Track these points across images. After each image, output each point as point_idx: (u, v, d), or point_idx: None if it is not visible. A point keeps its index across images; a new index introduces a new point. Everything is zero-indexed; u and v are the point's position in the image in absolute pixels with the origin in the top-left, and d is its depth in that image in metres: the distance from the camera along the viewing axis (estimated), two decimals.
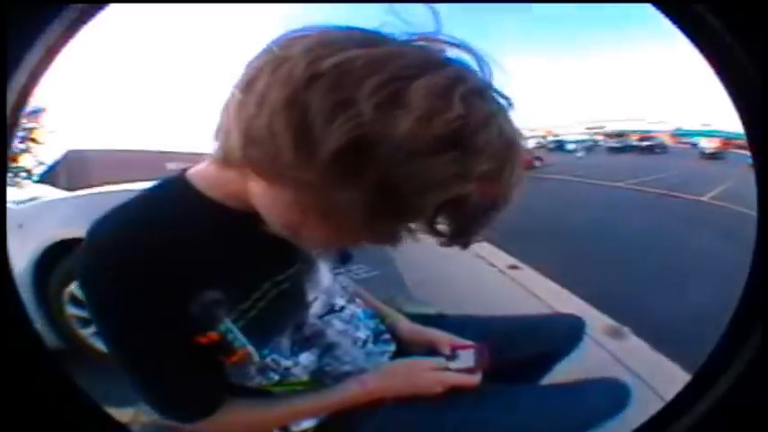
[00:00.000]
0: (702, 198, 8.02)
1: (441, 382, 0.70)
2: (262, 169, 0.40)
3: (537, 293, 2.70)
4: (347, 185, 0.37)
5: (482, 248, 3.57)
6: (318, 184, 0.37)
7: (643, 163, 18.03)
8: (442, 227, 0.44)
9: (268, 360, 0.61)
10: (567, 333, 0.97)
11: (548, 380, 0.98)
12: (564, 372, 0.96)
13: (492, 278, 3.11)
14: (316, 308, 0.68)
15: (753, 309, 0.41)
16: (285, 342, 0.63)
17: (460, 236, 0.45)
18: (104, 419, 0.47)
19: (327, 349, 0.70)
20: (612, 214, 6.87)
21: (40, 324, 1.84)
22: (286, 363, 0.64)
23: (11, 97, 0.36)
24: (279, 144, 0.36)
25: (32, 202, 2.15)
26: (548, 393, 0.82)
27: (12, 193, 2.75)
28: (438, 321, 0.92)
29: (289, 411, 0.65)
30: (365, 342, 0.76)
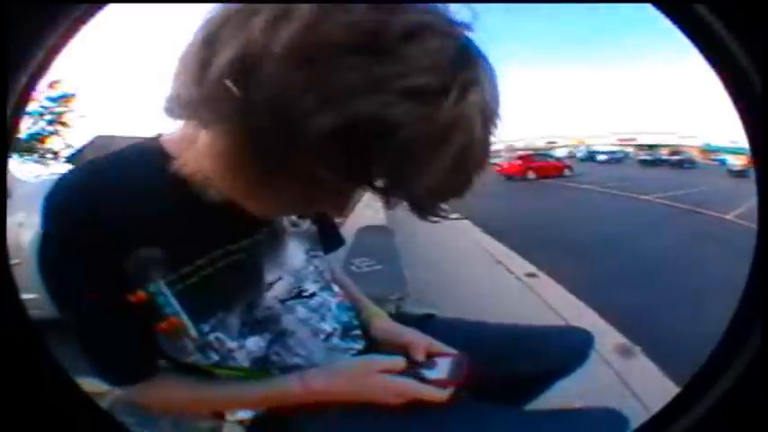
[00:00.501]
0: (726, 216, 7.99)
1: (398, 392, 0.59)
2: (179, 108, 0.39)
3: (551, 303, 2.67)
4: (241, 110, 0.34)
5: (503, 254, 3.56)
6: (220, 115, 0.35)
7: (672, 177, 17.87)
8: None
9: (211, 338, 0.55)
10: (572, 349, 0.86)
11: (540, 399, 0.88)
12: (561, 390, 0.87)
13: (506, 285, 3.07)
14: (278, 290, 0.61)
15: (753, 309, 0.41)
16: (234, 322, 0.57)
17: (400, 188, 0.37)
18: (105, 419, 0.47)
19: (280, 337, 0.62)
20: (638, 227, 6.82)
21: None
22: (230, 344, 0.57)
23: (11, 97, 0.36)
24: (186, 76, 0.37)
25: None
26: (529, 421, 0.70)
27: (37, 170, 2.74)
28: (424, 322, 0.83)
29: (222, 396, 0.60)
30: (329, 336, 0.68)
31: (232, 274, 0.55)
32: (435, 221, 0.42)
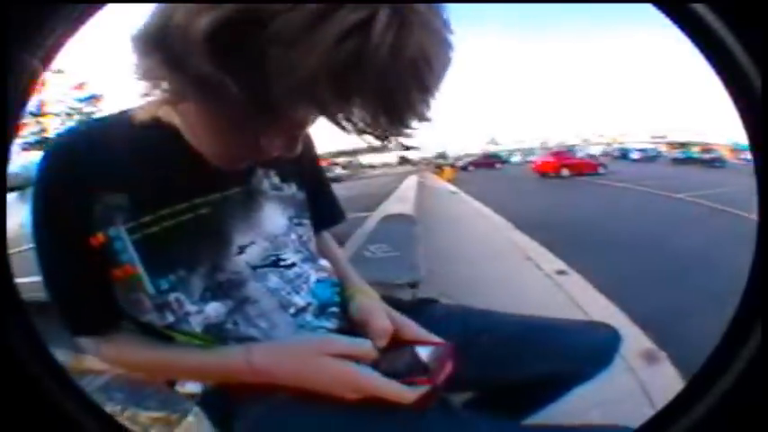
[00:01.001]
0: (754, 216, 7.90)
1: (354, 384, 0.49)
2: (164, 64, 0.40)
3: (579, 302, 2.58)
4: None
5: (533, 250, 3.52)
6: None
7: (703, 175, 17.54)
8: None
9: (170, 297, 0.53)
10: (595, 349, 0.73)
11: (551, 406, 0.76)
12: (576, 396, 0.75)
13: (535, 281, 3.00)
14: (250, 254, 0.58)
15: (753, 309, 0.41)
16: (197, 283, 0.54)
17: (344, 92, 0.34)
18: (106, 419, 0.47)
19: (241, 304, 0.57)
20: (670, 226, 6.65)
21: None
22: (189, 307, 0.54)
23: (11, 97, 0.37)
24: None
25: None
26: None
27: None
28: (420, 308, 0.71)
29: (171, 361, 0.56)
30: (301, 311, 0.61)
31: (196, 231, 0.54)
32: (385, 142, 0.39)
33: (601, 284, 2.88)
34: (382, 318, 0.59)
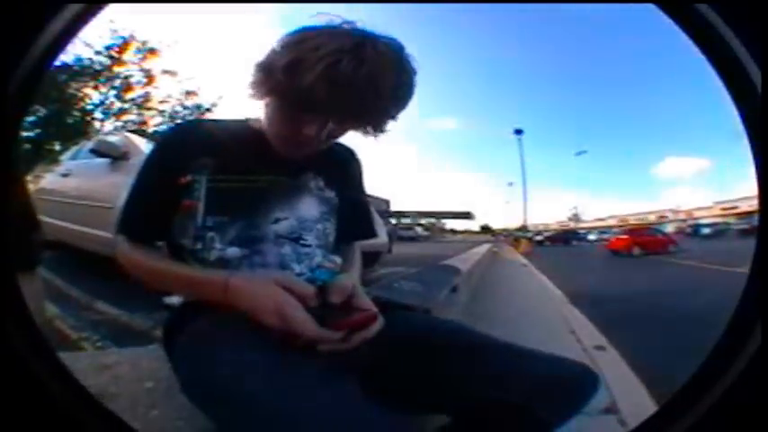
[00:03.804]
0: None
1: (278, 307, 0.57)
2: (257, 92, 0.67)
3: (608, 381, 2.45)
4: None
5: (580, 323, 3.48)
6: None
7: None
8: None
9: (208, 233, 0.70)
10: (565, 386, 0.66)
11: None
12: None
13: (569, 353, 2.91)
14: (281, 226, 0.74)
15: (753, 309, 0.41)
16: (231, 231, 0.71)
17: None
18: (108, 420, 0.47)
19: (253, 255, 0.71)
20: (726, 306, 6.52)
21: None
22: (217, 244, 0.70)
23: (12, 96, 0.37)
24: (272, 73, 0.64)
25: None
26: None
27: None
28: (403, 311, 0.80)
29: (168, 271, 0.70)
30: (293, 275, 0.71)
31: (249, 196, 0.73)
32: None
33: (635, 362, 2.82)
34: (345, 281, 0.70)
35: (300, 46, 0.60)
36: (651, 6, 0.40)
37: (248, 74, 0.67)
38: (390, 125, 0.69)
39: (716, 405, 0.42)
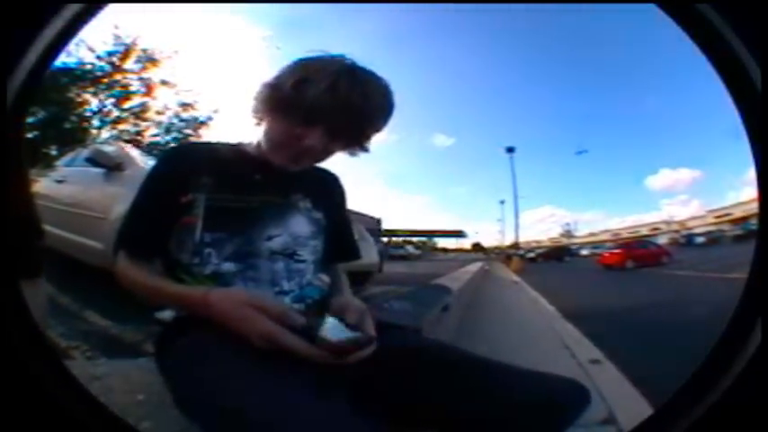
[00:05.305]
0: None
1: (263, 333, 0.58)
2: (263, 108, 0.76)
3: (605, 395, 2.39)
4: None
5: (573, 339, 3.46)
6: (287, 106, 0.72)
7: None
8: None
9: (205, 249, 0.73)
10: (554, 405, 0.65)
11: None
12: None
13: (563, 368, 2.69)
14: (275, 242, 0.78)
15: (753, 309, 0.41)
16: (228, 247, 0.74)
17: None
18: (108, 419, 0.46)
19: (246, 270, 0.74)
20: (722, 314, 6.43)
21: None
22: (213, 260, 0.74)
23: (11, 96, 0.36)
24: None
25: None
26: None
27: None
28: (397, 330, 0.82)
29: (161, 288, 0.72)
30: (282, 293, 0.75)
31: (245, 215, 0.77)
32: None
33: (634, 374, 2.77)
34: (359, 302, 0.74)
35: (306, 68, 0.71)
36: (651, 6, 0.41)
37: (254, 92, 0.77)
38: (372, 145, 0.79)
39: (716, 405, 0.42)
